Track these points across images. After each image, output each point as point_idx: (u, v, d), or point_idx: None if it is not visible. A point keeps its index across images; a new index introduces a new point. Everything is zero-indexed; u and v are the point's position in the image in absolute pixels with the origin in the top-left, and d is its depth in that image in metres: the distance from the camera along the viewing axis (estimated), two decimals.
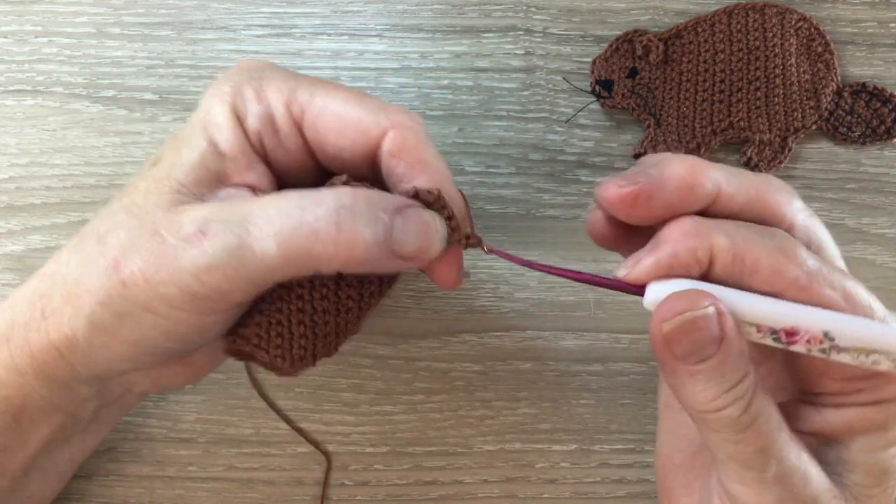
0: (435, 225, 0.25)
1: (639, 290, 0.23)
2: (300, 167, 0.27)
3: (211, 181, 0.25)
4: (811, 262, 0.23)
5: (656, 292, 0.23)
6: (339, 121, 0.25)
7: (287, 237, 0.23)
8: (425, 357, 0.37)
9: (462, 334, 0.37)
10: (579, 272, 0.25)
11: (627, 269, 0.23)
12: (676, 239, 0.23)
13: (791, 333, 0.22)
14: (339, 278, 0.26)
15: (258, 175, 0.26)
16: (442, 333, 0.37)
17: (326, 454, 0.36)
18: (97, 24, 0.38)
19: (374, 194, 0.24)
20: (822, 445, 0.25)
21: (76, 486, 0.36)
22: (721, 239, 0.22)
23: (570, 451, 0.37)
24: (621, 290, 0.24)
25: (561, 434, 0.37)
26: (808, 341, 0.22)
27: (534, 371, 0.37)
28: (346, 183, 0.25)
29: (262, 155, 0.26)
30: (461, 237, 0.26)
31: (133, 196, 0.25)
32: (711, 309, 0.22)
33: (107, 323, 0.24)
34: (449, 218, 0.26)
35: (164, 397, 0.36)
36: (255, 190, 0.26)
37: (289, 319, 0.26)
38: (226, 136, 0.25)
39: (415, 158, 0.26)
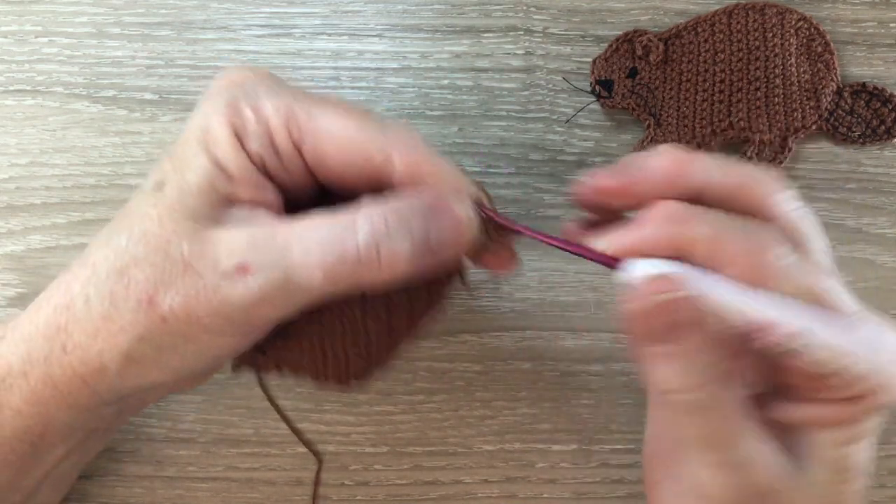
0: (466, 214, 0.25)
1: (615, 263, 0.24)
2: (301, 186, 0.27)
3: (222, 202, 0.25)
4: (787, 260, 0.23)
5: (632, 270, 0.23)
6: (339, 146, 0.25)
7: (329, 265, 0.23)
8: (425, 357, 0.37)
9: (462, 334, 0.37)
10: (565, 241, 0.25)
11: (607, 242, 0.24)
12: (658, 222, 0.23)
13: (759, 329, 0.22)
14: (388, 299, 0.27)
15: (266, 193, 0.25)
16: (442, 333, 0.37)
17: (317, 455, 0.36)
18: (97, 24, 0.38)
19: (402, 204, 0.24)
20: (791, 437, 0.25)
21: (76, 486, 0.36)
22: (702, 228, 0.23)
23: (570, 451, 0.37)
24: (599, 262, 0.24)
25: (561, 434, 0.37)
26: (776, 339, 0.22)
27: (534, 371, 0.37)
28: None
29: (265, 174, 0.26)
30: (495, 225, 0.26)
31: (146, 225, 0.24)
32: (682, 293, 0.22)
33: (146, 356, 0.24)
34: (483, 211, 0.26)
35: (164, 397, 0.36)
36: (266, 208, 0.25)
37: (343, 346, 0.27)
38: (230, 157, 0.25)
39: (429, 176, 0.25)
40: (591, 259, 0.24)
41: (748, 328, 0.22)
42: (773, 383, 0.26)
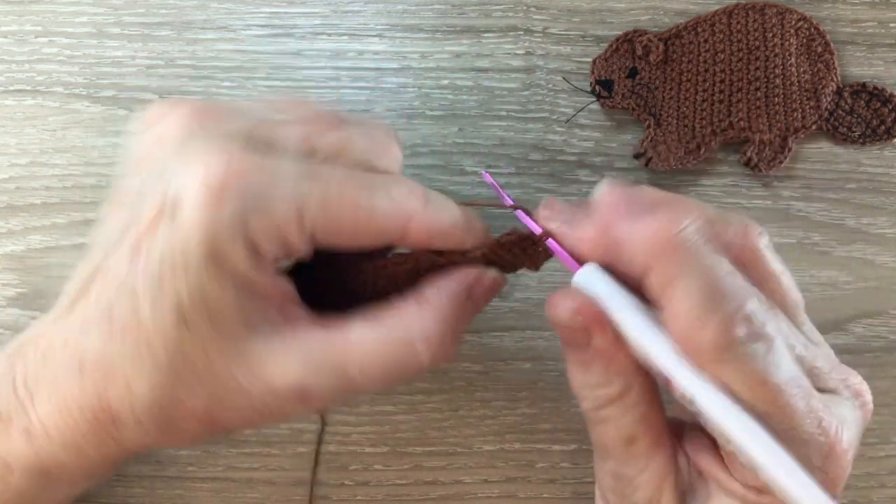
0: (497, 283, 0.27)
1: (575, 266, 0.24)
2: None
3: (250, 314, 0.23)
4: (741, 350, 0.21)
5: (580, 276, 0.24)
6: (356, 230, 0.24)
7: (390, 381, 0.24)
8: None
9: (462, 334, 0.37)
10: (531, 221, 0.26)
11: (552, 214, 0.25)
12: (644, 247, 0.22)
13: (668, 381, 0.23)
14: None
15: (282, 286, 0.24)
16: None
17: (322, 418, 0.36)
18: (97, 24, 0.38)
19: (445, 305, 0.25)
20: (698, 480, 0.25)
21: None
22: (686, 276, 0.22)
23: (570, 451, 0.37)
24: (562, 258, 0.25)
25: (561, 434, 0.37)
26: (681, 396, 0.22)
27: (534, 371, 0.37)
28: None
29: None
30: (534, 246, 0.27)
31: (185, 354, 0.23)
32: (579, 319, 0.23)
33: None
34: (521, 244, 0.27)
35: None
36: (284, 299, 0.24)
37: None
38: (253, 277, 0.23)
39: (436, 237, 0.25)
40: (554, 251, 0.25)
41: (663, 378, 0.23)
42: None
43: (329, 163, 0.24)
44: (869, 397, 0.25)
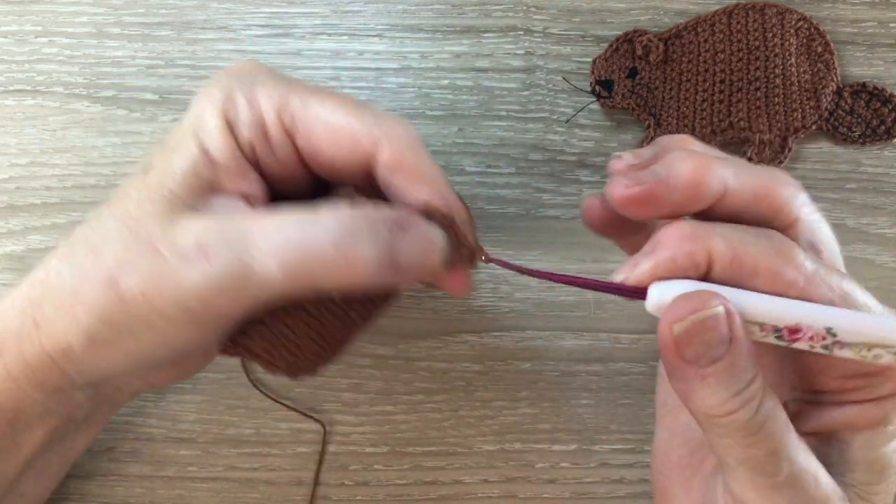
0: (436, 240, 0.25)
1: (640, 293, 0.23)
2: (292, 176, 0.27)
3: (203, 189, 0.25)
4: (809, 263, 0.23)
5: (660, 295, 0.22)
6: (331, 131, 0.25)
7: (289, 259, 0.23)
8: (425, 357, 0.37)
9: (462, 334, 0.37)
10: (579, 277, 0.24)
11: (626, 272, 0.23)
12: (674, 243, 0.22)
13: (794, 331, 0.22)
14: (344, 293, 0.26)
15: (251, 183, 0.25)
16: (442, 333, 0.37)
17: (321, 422, 0.36)
18: (97, 24, 0.38)
19: (374, 212, 0.24)
20: (822, 445, 0.25)
21: (76, 486, 0.36)
22: (718, 242, 0.22)
23: (570, 451, 0.37)
24: (622, 295, 0.23)
25: (561, 434, 0.37)
26: (811, 338, 0.22)
27: (534, 371, 0.37)
28: (349, 196, 0.26)
29: (254, 163, 0.26)
30: (465, 252, 0.26)
31: (125, 204, 0.24)
32: (721, 308, 0.21)
33: (105, 337, 0.24)
34: (455, 235, 0.25)
35: (164, 397, 0.36)
36: (248, 199, 0.25)
37: (297, 335, 0.26)
38: (217, 144, 0.25)
39: (412, 172, 0.25)
40: (615, 293, 0.23)
41: (793, 328, 0.22)
42: (799, 391, 0.26)
43: None
44: None
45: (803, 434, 0.24)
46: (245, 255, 0.23)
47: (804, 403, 0.25)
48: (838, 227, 0.37)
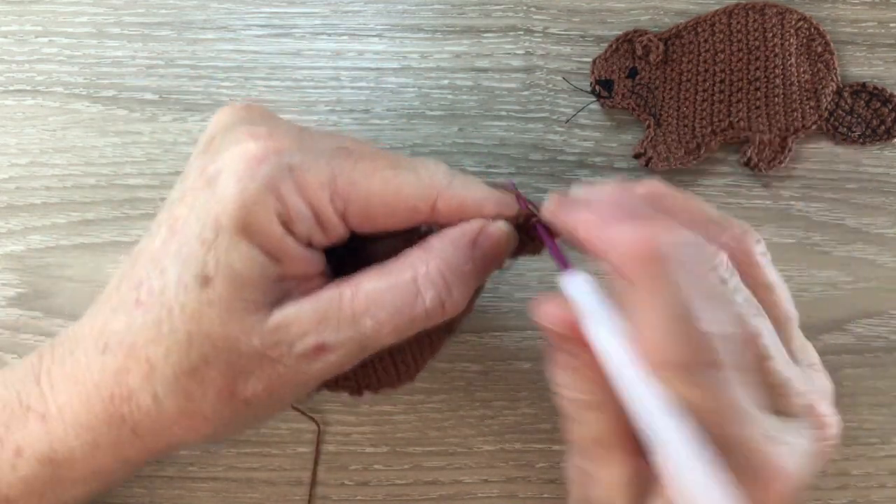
0: (505, 234, 0.27)
1: (564, 267, 0.24)
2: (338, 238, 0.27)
3: (277, 286, 0.24)
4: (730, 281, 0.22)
5: (567, 280, 0.24)
6: (386, 207, 0.25)
7: (401, 329, 0.25)
8: None
9: (462, 334, 0.37)
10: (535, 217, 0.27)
11: (553, 208, 0.25)
12: (589, 217, 0.23)
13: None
14: None
15: (316, 262, 0.25)
16: None
17: (315, 421, 0.36)
18: (97, 24, 0.38)
19: (450, 254, 0.25)
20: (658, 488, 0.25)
21: None
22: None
23: None
24: (556, 258, 0.25)
25: (561, 434, 0.37)
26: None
27: (534, 371, 0.37)
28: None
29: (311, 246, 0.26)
30: (527, 228, 0.27)
31: (205, 327, 0.23)
32: (560, 328, 0.23)
33: (225, 434, 0.25)
34: (517, 225, 0.27)
35: None
36: (317, 273, 0.26)
37: (383, 364, 0.29)
38: (281, 246, 0.24)
39: (465, 209, 0.26)
40: (552, 250, 0.26)
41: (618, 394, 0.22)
42: None
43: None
44: (833, 432, 0.24)
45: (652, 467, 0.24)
46: (360, 336, 0.24)
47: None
48: (838, 227, 0.37)
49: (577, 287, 0.23)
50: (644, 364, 0.21)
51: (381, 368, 0.29)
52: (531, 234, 0.27)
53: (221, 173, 0.23)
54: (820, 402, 0.24)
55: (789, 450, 0.22)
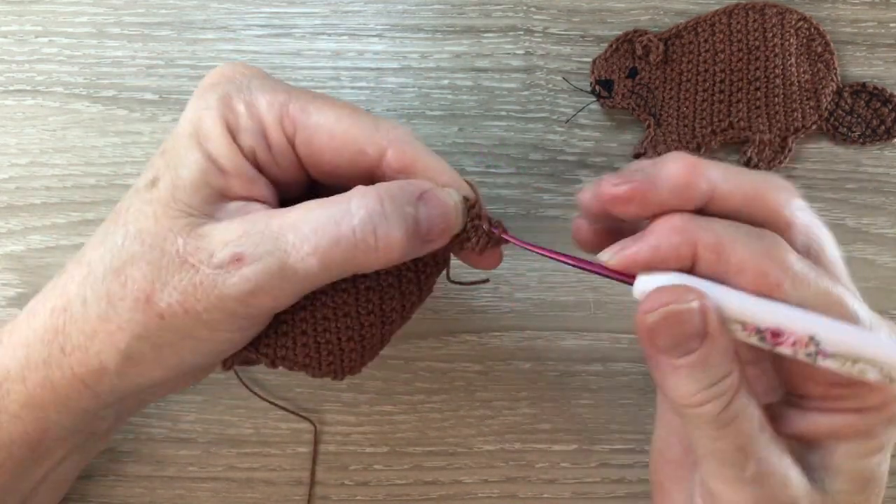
0: (453, 203, 0.26)
1: (628, 279, 0.23)
2: (294, 182, 0.27)
3: (216, 197, 0.25)
4: (798, 266, 0.22)
5: (645, 283, 0.23)
6: (333, 140, 0.25)
7: (327, 252, 0.23)
8: (425, 357, 0.37)
9: (462, 334, 0.37)
10: (574, 257, 0.25)
11: (610, 254, 0.23)
12: (662, 233, 0.23)
13: (776, 334, 0.22)
14: (380, 288, 0.27)
15: (260, 188, 0.26)
16: (442, 333, 0.37)
17: (311, 421, 0.36)
18: (97, 24, 0.38)
19: (395, 189, 0.25)
20: (806, 450, 0.25)
21: (76, 486, 0.36)
22: (706, 236, 0.22)
23: (570, 451, 0.37)
24: (612, 278, 0.24)
25: (561, 434, 0.37)
26: (794, 344, 0.22)
27: (534, 371, 0.37)
28: None
29: (258, 168, 0.26)
30: (485, 224, 0.27)
31: (141, 223, 0.24)
32: (696, 303, 0.22)
33: (145, 354, 0.24)
34: (472, 206, 0.27)
35: (164, 397, 0.36)
36: (261, 201, 0.26)
37: (338, 338, 0.27)
38: (223, 152, 0.25)
39: (419, 168, 0.26)
40: (606, 276, 0.24)
41: (775, 331, 0.22)
42: (787, 394, 0.25)
43: None
44: None
45: (787, 437, 0.24)
46: (282, 254, 0.23)
47: (789, 406, 0.25)
48: (838, 227, 0.37)
49: (661, 277, 0.23)
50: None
51: (325, 346, 0.27)
52: (478, 232, 0.27)
53: (189, 99, 0.25)
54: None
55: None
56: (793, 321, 0.22)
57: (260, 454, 0.36)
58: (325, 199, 0.24)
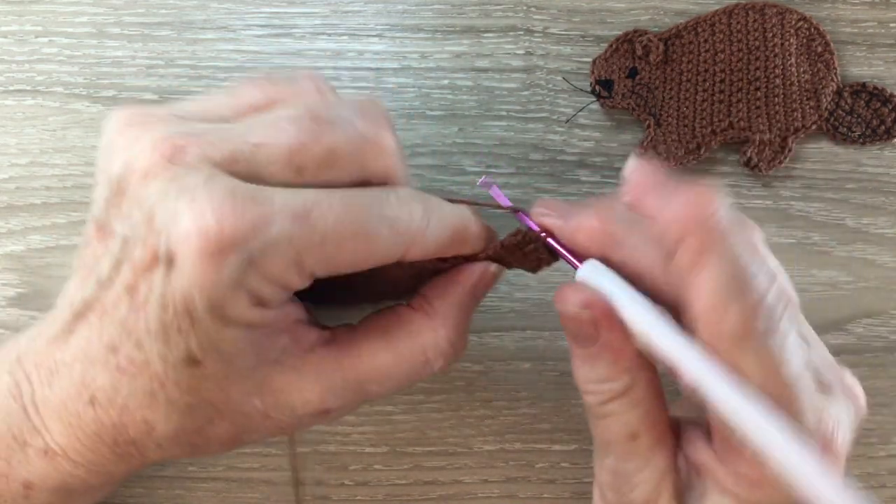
0: (494, 276, 0.27)
1: (576, 262, 0.25)
2: None
3: (263, 346, 0.24)
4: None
5: (583, 272, 0.24)
6: (358, 265, 0.23)
7: (402, 387, 0.26)
8: None
9: None
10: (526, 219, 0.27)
11: (547, 214, 0.26)
12: (593, 224, 0.25)
13: (673, 372, 0.22)
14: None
15: (294, 312, 0.25)
16: None
17: None
18: (97, 24, 0.38)
19: (454, 313, 0.27)
20: (694, 475, 0.25)
21: None
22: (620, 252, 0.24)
23: (570, 451, 0.37)
24: (563, 257, 0.26)
25: (561, 434, 0.37)
26: (688, 383, 0.22)
27: (534, 371, 0.37)
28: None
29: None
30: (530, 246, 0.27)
31: (203, 394, 0.23)
32: (586, 314, 0.24)
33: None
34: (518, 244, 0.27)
35: None
36: (298, 322, 0.25)
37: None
38: (261, 321, 0.23)
39: (440, 254, 0.26)
40: (554, 249, 0.26)
41: (670, 366, 0.22)
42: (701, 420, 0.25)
43: (320, 177, 0.23)
44: (862, 398, 0.25)
45: (686, 457, 0.25)
46: (362, 398, 0.25)
47: (700, 429, 0.25)
48: (838, 227, 0.37)
49: (600, 272, 0.24)
50: (688, 335, 0.22)
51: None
52: (527, 249, 0.27)
53: (177, 255, 0.21)
54: (843, 372, 0.25)
55: (839, 422, 0.23)
56: (688, 366, 0.22)
57: (260, 454, 0.36)
58: (393, 342, 0.26)
